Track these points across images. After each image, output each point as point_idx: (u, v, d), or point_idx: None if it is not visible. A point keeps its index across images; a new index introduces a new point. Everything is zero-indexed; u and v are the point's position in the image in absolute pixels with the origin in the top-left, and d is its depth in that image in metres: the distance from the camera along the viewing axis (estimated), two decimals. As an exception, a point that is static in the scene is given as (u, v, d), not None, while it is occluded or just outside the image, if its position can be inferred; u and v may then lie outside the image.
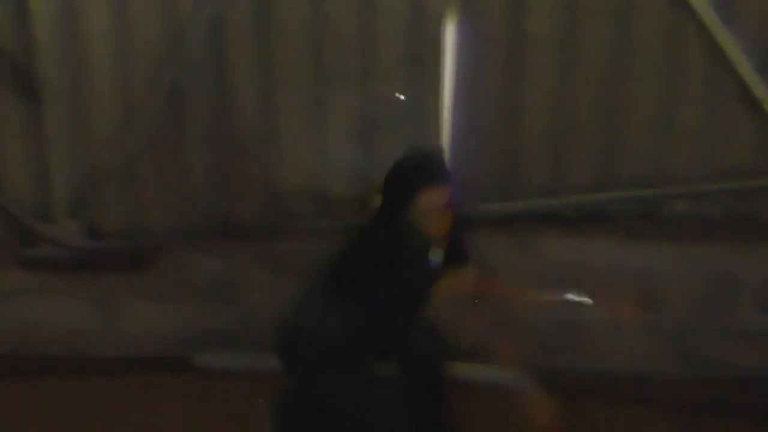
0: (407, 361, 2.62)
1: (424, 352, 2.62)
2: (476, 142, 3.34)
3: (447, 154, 3.18)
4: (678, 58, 3.21)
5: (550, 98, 3.27)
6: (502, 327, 2.37)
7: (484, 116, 3.32)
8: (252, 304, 3.42)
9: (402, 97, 3.29)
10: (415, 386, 2.64)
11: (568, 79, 3.25)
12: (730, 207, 3.39)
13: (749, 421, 3.04)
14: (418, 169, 2.36)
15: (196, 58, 3.24)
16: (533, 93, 3.27)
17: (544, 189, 3.38)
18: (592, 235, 3.33)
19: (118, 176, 3.37)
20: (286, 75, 3.28)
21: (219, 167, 3.38)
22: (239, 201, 3.41)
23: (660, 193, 3.36)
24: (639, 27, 3.18)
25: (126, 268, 3.41)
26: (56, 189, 3.39)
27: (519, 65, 3.24)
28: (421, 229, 2.34)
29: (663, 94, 3.25)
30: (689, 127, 3.28)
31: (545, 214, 3.39)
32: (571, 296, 2.65)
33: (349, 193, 3.38)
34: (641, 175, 3.34)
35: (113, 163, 3.36)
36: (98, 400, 3.19)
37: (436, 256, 2.45)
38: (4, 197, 3.40)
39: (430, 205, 2.31)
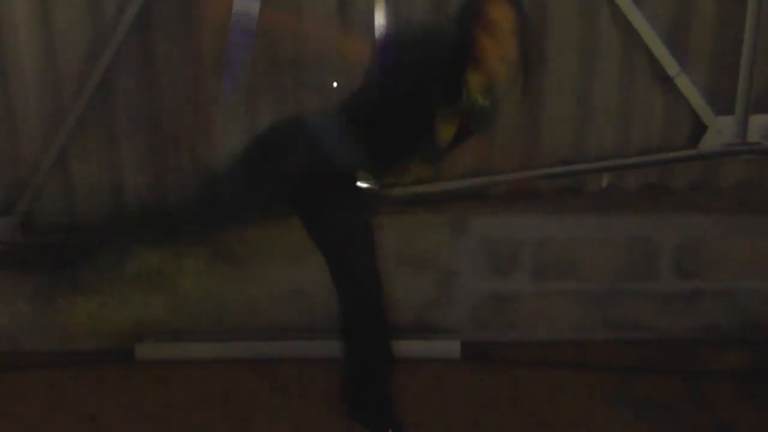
0: None
1: None
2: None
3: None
4: (592, 37, 3.32)
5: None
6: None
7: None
8: (188, 293, 3.44)
9: (335, 84, 3.36)
10: None
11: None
12: (646, 179, 3.54)
13: (670, 380, 3.18)
14: None
15: (125, 49, 3.25)
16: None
17: (472, 169, 3.49)
18: (522, 212, 3.45)
19: (48, 170, 3.35)
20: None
21: (149, 158, 3.37)
22: (171, 191, 3.41)
23: (581, 169, 3.50)
24: (554, 8, 3.27)
25: (60, 263, 3.39)
26: (-14, 185, 3.37)
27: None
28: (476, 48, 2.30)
29: (579, 73, 3.37)
30: (605, 103, 3.39)
31: (474, 193, 3.51)
32: None
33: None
34: (562, 151, 3.48)
35: (44, 158, 3.35)
36: (36, 393, 3.17)
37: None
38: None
39: (493, 15, 2.27)
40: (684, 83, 3.37)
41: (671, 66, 3.35)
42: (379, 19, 3.24)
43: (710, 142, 3.43)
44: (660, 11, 3.32)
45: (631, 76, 3.40)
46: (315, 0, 3.23)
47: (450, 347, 3.37)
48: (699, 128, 3.43)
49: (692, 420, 2.93)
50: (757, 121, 3.42)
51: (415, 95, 2.32)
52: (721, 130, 3.42)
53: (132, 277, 3.42)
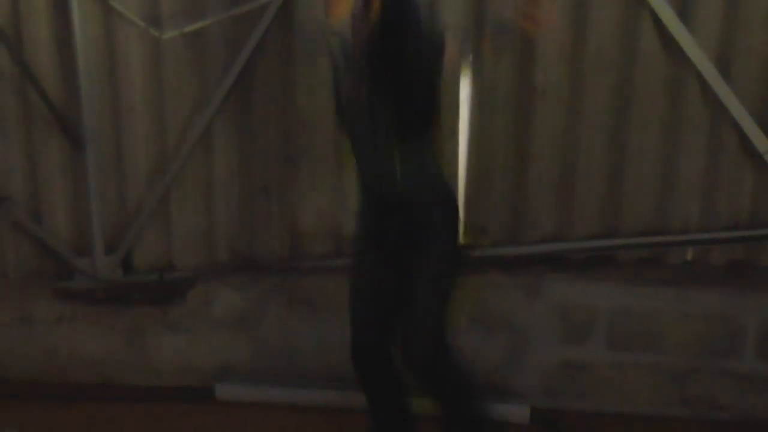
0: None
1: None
2: (487, 188, 3.48)
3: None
4: (679, 109, 3.29)
5: (556, 147, 3.37)
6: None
7: (495, 164, 3.45)
8: (270, 337, 3.59)
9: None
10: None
11: (573, 129, 3.35)
12: (732, 254, 3.45)
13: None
14: None
15: (226, 106, 3.47)
16: (541, 142, 3.38)
17: (551, 234, 3.50)
18: (598, 279, 3.44)
19: (150, 214, 3.59)
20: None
21: (242, 206, 3.55)
22: (260, 238, 3.58)
23: (664, 240, 3.46)
24: (641, 80, 3.27)
25: (154, 301, 3.57)
26: (93, 225, 3.57)
27: (527, 116, 3.37)
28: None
29: (665, 144, 3.35)
30: (690, 176, 3.36)
31: (552, 258, 3.51)
32: None
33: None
34: (645, 221, 3.44)
35: (145, 202, 3.58)
36: (122, 426, 3.34)
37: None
38: (45, 231, 3.63)
39: None
40: (774, 160, 3.32)
41: (761, 142, 3.30)
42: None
43: (800, 220, 3.35)
44: (749, 87, 3.28)
45: (718, 150, 3.35)
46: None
47: (519, 412, 3.35)
48: (789, 206, 3.36)
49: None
50: None
51: None
52: (812, 209, 3.34)
53: (218, 319, 3.61)
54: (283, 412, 3.42)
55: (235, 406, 3.47)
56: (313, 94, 3.37)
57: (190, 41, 3.37)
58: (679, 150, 3.35)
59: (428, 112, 2.53)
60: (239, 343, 3.58)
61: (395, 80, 2.38)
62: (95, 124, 3.46)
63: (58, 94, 3.43)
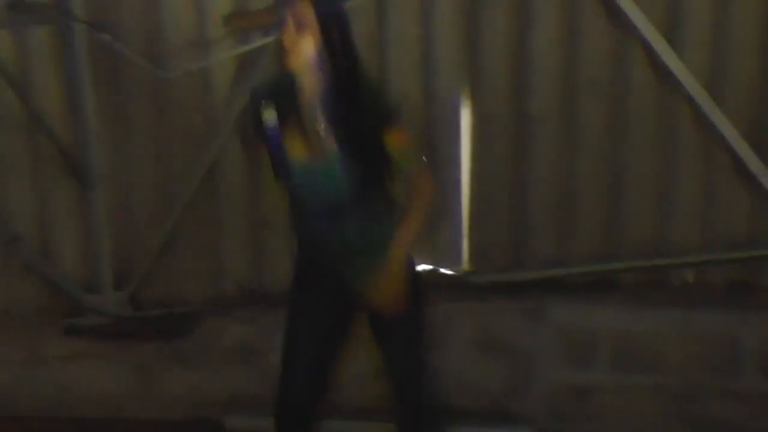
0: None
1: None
2: (486, 214, 3.51)
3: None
4: (673, 133, 3.34)
5: (553, 173, 3.42)
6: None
7: (495, 191, 3.50)
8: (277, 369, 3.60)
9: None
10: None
11: (570, 155, 3.40)
12: (732, 275, 3.47)
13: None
14: None
15: (230, 142, 3.53)
16: (539, 168, 3.43)
17: (552, 258, 3.54)
18: (600, 302, 3.46)
19: (158, 250, 3.63)
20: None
21: (248, 242, 3.59)
22: (267, 272, 3.63)
23: (664, 263, 3.49)
24: (635, 105, 3.33)
25: (163, 336, 3.60)
26: (102, 262, 3.63)
27: (524, 143, 3.42)
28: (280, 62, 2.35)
29: (661, 168, 3.39)
30: (688, 198, 3.39)
31: (554, 282, 3.54)
32: None
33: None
34: (645, 244, 3.48)
35: (153, 239, 3.64)
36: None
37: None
38: (54, 269, 3.68)
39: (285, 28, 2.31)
40: (768, 180, 3.35)
41: (754, 163, 3.33)
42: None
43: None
44: (741, 110, 3.32)
45: (714, 172, 3.38)
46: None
47: (525, 436, 3.38)
48: (786, 226, 3.38)
49: None
50: None
51: None
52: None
53: (226, 352, 3.64)
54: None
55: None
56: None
57: (195, 80, 3.45)
58: (676, 173, 3.40)
59: (379, 172, 2.47)
60: (248, 375, 3.58)
61: (347, 136, 2.38)
62: (103, 165, 3.53)
63: (66, 135, 3.50)
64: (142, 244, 3.61)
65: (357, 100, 2.39)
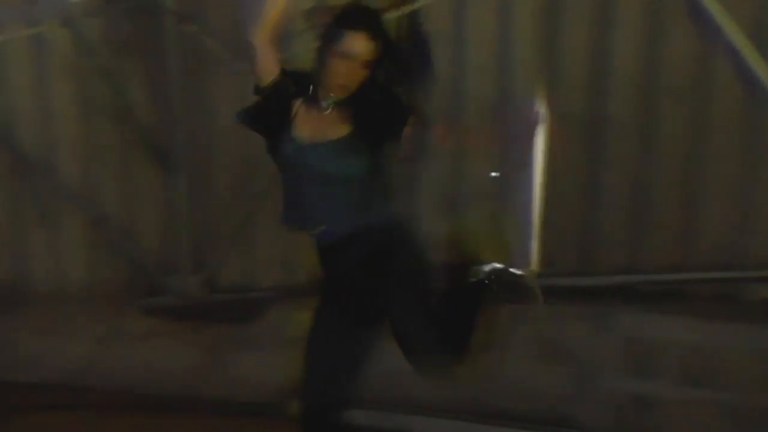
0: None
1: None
2: (556, 216, 3.46)
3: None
4: (756, 141, 3.25)
5: (628, 178, 3.37)
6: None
7: (566, 193, 3.46)
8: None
9: (494, 174, 3.51)
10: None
11: (647, 161, 3.35)
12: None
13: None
14: (347, 14, 2.31)
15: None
16: (613, 173, 3.39)
17: (621, 266, 3.48)
18: (669, 313, 3.39)
19: (234, 236, 3.76)
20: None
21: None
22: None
23: (739, 276, 3.38)
24: (716, 112, 3.25)
25: (234, 319, 3.74)
26: (182, 246, 3.79)
27: (599, 146, 3.38)
28: (326, 69, 2.28)
29: (741, 177, 3.30)
30: (766, 210, 3.30)
31: (622, 290, 3.48)
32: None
33: (435, 260, 3.60)
34: (720, 256, 3.38)
35: (230, 225, 3.77)
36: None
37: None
38: (136, 250, 3.86)
39: (350, 47, 2.23)
40: None
41: (843, 177, 3.21)
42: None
43: None
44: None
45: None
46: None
47: (585, 444, 3.33)
48: None
49: None
50: None
51: None
52: None
53: (293, 339, 3.71)
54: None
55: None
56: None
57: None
58: (757, 183, 3.29)
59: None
60: (313, 362, 3.67)
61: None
62: (186, 152, 3.67)
63: (153, 124, 3.66)
64: (219, 230, 3.74)
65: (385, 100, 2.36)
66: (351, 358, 2.66)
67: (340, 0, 3.38)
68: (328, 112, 2.36)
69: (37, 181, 3.83)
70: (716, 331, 3.27)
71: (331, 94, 2.33)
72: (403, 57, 2.44)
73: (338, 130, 2.37)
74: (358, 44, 2.25)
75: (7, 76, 3.79)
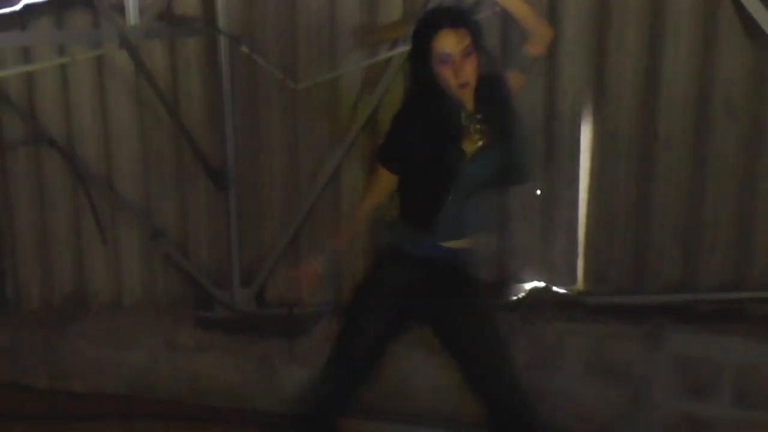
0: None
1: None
2: (608, 235, 3.41)
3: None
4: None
5: (680, 194, 3.26)
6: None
7: (616, 211, 3.39)
8: (386, 375, 3.65)
9: (539, 191, 3.47)
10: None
11: (700, 176, 3.25)
12: None
13: None
14: (424, 24, 2.41)
15: (354, 150, 3.63)
16: (665, 189, 3.28)
17: (675, 284, 3.37)
18: (725, 332, 3.27)
19: (283, 250, 3.78)
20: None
21: (368, 245, 3.66)
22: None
23: (798, 295, 3.25)
24: (769, 128, 3.17)
25: (283, 333, 3.76)
26: (232, 259, 3.85)
27: (650, 163, 3.29)
28: (441, 81, 2.36)
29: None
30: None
31: (676, 308, 3.37)
32: None
33: (482, 279, 3.57)
34: (777, 274, 3.26)
35: (279, 239, 3.80)
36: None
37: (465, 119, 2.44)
38: (190, 264, 3.93)
39: (442, 49, 2.32)
40: None
41: None
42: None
43: None
44: None
45: None
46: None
47: (637, 465, 3.24)
48: None
49: None
50: None
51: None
52: None
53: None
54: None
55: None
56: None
57: (324, 90, 3.58)
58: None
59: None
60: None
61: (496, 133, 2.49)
62: (238, 168, 3.73)
63: (206, 141, 3.73)
64: (269, 245, 3.79)
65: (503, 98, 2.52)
66: (377, 363, 2.68)
67: (390, 18, 3.44)
68: (468, 123, 2.46)
69: (97, 196, 3.94)
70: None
71: (465, 104, 2.44)
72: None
73: (479, 139, 2.49)
74: (449, 40, 2.33)
75: (71, 96, 3.93)
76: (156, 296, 4.01)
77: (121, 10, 3.18)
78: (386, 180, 2.57)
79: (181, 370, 3.88)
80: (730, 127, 3.19)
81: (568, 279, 3.45)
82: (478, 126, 2.47)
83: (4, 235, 4.18)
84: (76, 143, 3.97)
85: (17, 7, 3.71)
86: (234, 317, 3.83)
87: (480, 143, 2.47)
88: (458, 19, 2.37)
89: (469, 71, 2.36)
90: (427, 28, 2.38)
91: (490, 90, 2.48)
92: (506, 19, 3.10)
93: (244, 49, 3.52)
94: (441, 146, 2.43)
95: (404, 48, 3.31)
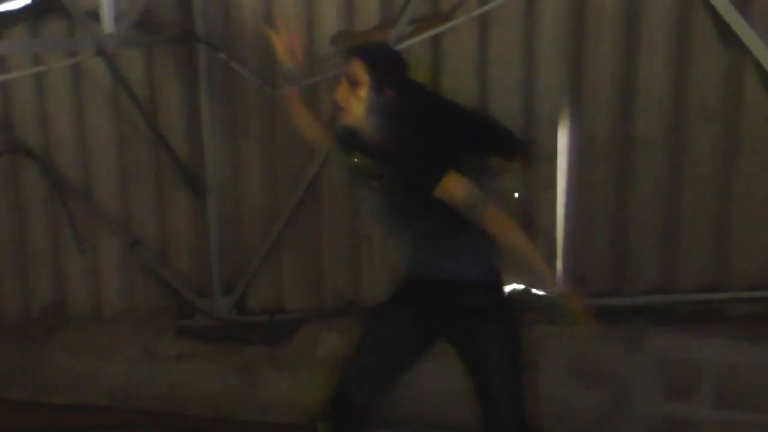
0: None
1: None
2: (587, 238, 3.41)
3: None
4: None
5: (658, 196, 3.28)
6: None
7: (595, 213, 3.40)
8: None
9: (516, 194, 3.47)
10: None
11: (677, 179, 3.26)
12: None
13: None
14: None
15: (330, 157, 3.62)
16: (642, 192, 3.30)
17: (654, 285, 3.39)
18: (705, 333, 3.27)
19: (263, 259, 3.77)
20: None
21: (347, 254, 3.66)
22: (364, 284, 3.67)
23: (775, 295, 3.28)
24: (748, 129, 3.15)
25: (264, 341, 3.73)
26: (213, 268, 3.82)
27: (627, 165, 3.30)
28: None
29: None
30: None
31: (656, 310, 3.39)
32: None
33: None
34: (756, 274, 3.27)
35: (259, 248, 3.78)
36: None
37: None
38: (170, 273, 3.90)
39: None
40: None
41: None
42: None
43: None
44: None
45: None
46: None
47: (619, 468, 3.25)
48: None
49: None
50: None
51: None
52: None
53: (323, 360, 3.71)
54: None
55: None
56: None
57: (302, 96, 3.56)
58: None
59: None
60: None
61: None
62: (217, 176, 3.71)
63: (184, 149, 3.71)
64: (248, 253, 3.77)
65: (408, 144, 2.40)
66: (395, 378, 2.66)
67: (365, 26, 3.43)
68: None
69: (75, 206, 3.90)
70: (753, 352, 3.16)
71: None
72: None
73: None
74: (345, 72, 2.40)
75: (47, 104, 3.90)
76: (136, 306, 3.97)
77: (97, 17, 3.16)
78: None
79: (162, 380, 3.84)
80: (706, 129, 3.21)
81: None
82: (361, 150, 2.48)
83: (-19, 246, 4.14)
84: (53, 153, 3.94)
85: (-9, 16, 3.68)
86: (215, 325, 3.80)
87: (365, 162, 2.46)
88: (361, 54, 2.41)
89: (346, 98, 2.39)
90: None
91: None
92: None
93: (222, 56, 3.50)
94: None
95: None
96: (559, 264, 3.42)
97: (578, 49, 3.27)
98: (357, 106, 2.37)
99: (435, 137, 2.38)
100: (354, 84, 2.37)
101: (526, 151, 2.66)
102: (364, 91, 2.36)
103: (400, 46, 3.27)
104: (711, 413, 3.21)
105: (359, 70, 2.37)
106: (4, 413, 3.79)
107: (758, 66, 3.07)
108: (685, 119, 3.22)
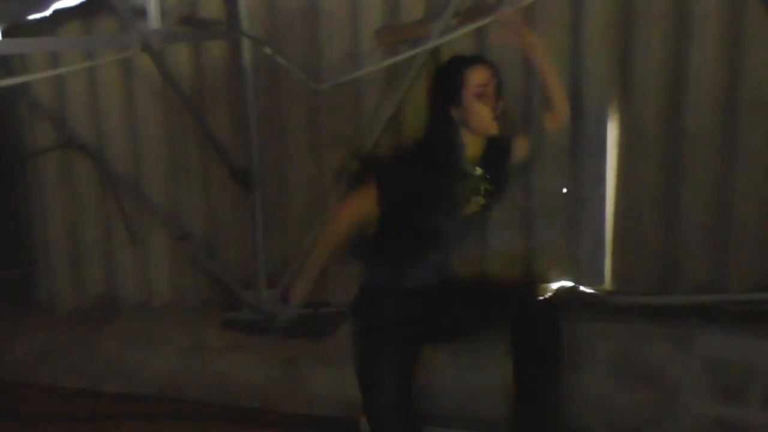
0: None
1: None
2: (636, 235, 3.35)
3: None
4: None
5: (709, 193, 3.20)
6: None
7: (644, 209, 3.33)
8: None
9: (565, 190, 3.43)
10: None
11: (729, 175, 3.18)
12: None
13: None
14: (457, 59, 2.44)
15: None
16: (693, 188, 3.22)
17: (704, 284, 3.30)
18: (756, 334, 3.17)
19: (308, 252, 3.78)
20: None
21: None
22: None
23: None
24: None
25: (308, 334, 3.76)
26: (258, 261, 3.85)
27: (677, 161, 3.23)
28: (471, 118, 2.34)
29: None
30: None
31: (705, 310, 3.30)
32: None
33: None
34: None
35: (304, 241, 3.80)
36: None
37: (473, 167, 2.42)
38: (217, 266, 3.95)
39: (479, 81, 2.32)
40: None
41: None
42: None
43: None
44: None
45: None
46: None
47: (665, 469, 3.17)
48: None
49: None
50: None
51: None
52: None
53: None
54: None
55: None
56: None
57: (347, 91, 3.57)
58: None
59: None
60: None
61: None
62: (263, 170, 3.74)
63: (231, 143, 3.75)
64: (294, 246, 3.79)
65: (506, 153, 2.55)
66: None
67: (409, 19, 3.41)
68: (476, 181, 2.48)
69: (126, 199, 3.99)
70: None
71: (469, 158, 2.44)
72: None
73: (482, 199, 2.52)
74: (484, 73, 2.36)
75: (98, 100, 3.99)
76: (184, 298, 4.05)
77: (145, 14, 3.21)
78: (366, 205, 2.49)
79: (208, 371, 3.90)
80: (759, 123, 3.11)
81: (595, 279, 3.40)
82: (485, 186, 2.46)
83: (37, 239, 4.26)
84: (105, 147, 4.03)
85: (47, 13, 3.77)
86: (260, 318, 3.84)
87: (482, 203, 2.47)
88: (487, 60, 2.43)
89: (501, 108, 2.37)
90: (459, 62, 2.39)
91: (499, 151, 2.49)
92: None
93: (267, 50, 3.52)
94: (439, 205, 2.42)
95: (425, 47, 3.30)
96: (608, 261, 3.37)
97: (626, 40, 3.20)
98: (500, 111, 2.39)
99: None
100: (498, 94, 2.38)
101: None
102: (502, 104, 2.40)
103: (443, 40, 3.26)
104: (761, 415, 3.12)
105: (496, 77, 2.39)
106: (57, 401, 3.89)
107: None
108: (737, 112, 3.13)
